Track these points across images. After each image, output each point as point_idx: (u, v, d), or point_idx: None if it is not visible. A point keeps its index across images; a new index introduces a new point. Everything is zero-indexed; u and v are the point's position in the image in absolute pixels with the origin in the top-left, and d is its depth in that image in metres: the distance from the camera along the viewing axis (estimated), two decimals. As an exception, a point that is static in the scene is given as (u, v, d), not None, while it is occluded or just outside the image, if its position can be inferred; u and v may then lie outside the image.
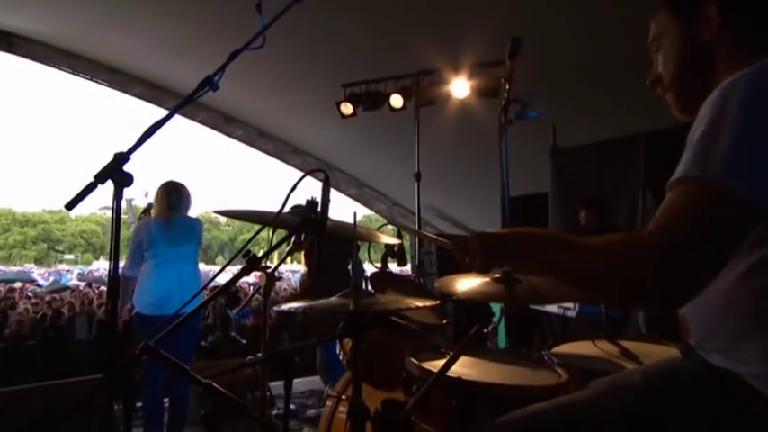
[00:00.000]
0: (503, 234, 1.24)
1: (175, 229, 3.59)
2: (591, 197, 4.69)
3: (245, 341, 6.98)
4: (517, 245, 1.14)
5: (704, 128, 0.90)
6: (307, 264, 3.75)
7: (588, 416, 1.08)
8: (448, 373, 1.32)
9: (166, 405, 3.50)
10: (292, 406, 4.46)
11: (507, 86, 2.46)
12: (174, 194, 3.65)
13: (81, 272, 33.28)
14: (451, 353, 1.33)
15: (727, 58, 1.05)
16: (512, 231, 1.19)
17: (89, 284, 17.29)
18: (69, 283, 20.76)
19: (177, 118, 1.49)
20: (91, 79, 10.19)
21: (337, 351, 2.22)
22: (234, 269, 1.53)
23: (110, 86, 10.43)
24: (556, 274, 1.11)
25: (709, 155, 0.87)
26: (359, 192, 13.25)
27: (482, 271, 1.32)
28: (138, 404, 3.27)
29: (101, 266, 36.92)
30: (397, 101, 5.96)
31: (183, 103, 1.48)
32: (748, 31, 1.05)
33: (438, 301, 1.83)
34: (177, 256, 3.57)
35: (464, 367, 1.53)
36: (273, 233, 2.08)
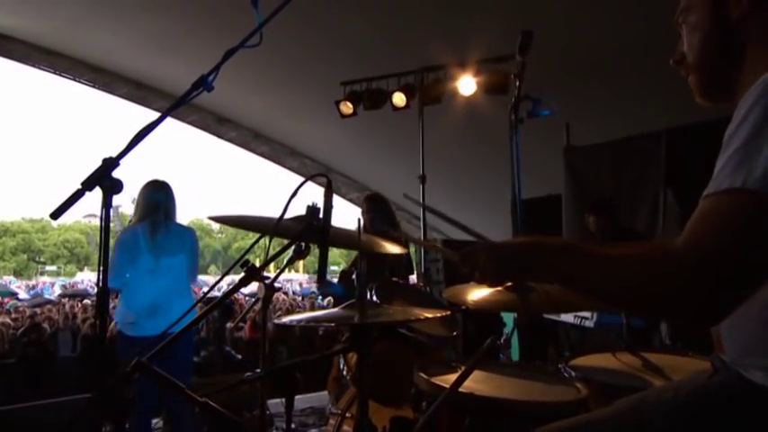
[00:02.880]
0: (514, 245, 1.21)
1: (164, 238, 3.37)
2: (597, 202, 4.67)
3: (240, 356, 6.97)
4: (532, 257, 1.10)
5: (747, 132, 0.87)
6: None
7: None
8: (460, 389, 1.33)
9: (155, 426, 3.46)
10: (293, 425, 4.45)
11: (518, 83, 2.47)
12: (157, 195, 3.40)
13: (64, 284, 33.33)
14: (463, 367, 1.33)
15: (755, 42, 1.03)
16: (524, 242, 1.16)
17: (73, 298, 17.30)
18: (52, 297, 20.78)
19: (167, 119, 1.50)
20: (73, 79, 10.25)
21: (341, 366, 2.22)
22: (228, 279, 1.53)
23: (94, 87, 10.48)
24: (577, 288, 1.08)
25: (754, 164, 0.85)
26: (360, 196, 13.27)
27: (492, 285, 1.31)
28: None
29: (85, 278, 36.94)
30: (399, 99, 5.97)
31: (176, 105, 1.49)
32: None
33: (448, 312, 1.83)
34: (166, 268, 3.35)
35: (476, 382, 1.53)
36: (270, 241, 2.09)
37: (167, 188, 3.47)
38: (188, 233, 3.63)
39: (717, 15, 1.06)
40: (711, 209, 0.88)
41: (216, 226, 68.43)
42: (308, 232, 1.45)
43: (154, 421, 3.55)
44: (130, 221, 3.85)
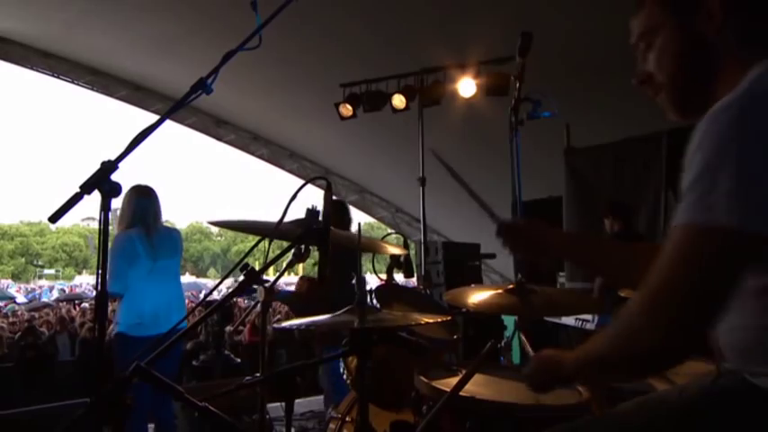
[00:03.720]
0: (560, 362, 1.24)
1: (159, 241, 3.44)
2: (615, 204, 4.67)
3: (239, 360, 6.96)
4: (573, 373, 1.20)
5: (701, 165, 0.90)
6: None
7: None
8: (461, 393, 1.32)
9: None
10: (292, 430, 4.44)
11: (518, 84, 2.48)
12: (144, 201, 3.46)
13: (63, 288, 33.33)
14: (464, 371, 1.33)
15: (729, 57, 1.04)
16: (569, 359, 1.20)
17: (71, 301, 17.31)
18: (50, 300, 20.79)
19: (166, 122, 1.50)
20: (72, 82, 10.27)
21: (341, 370, 2.22)
22: (228, 282, 1.53)
23: (92, 89, 10.50)
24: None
25: (711, 199, 0.88)
26: (360, 198, 13.28)
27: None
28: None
29: (84, 282, 36.91)
30: (399, 101, 5.98)
31: (175, 108, 1.49)
32: (752, 29, 1.03)
33: (449, 316, 1.83)
34: (162, 270, 3.44)
35: (477, 386, 1.52)
36: (270, 244, 2.09)
37: (153, 193, 3.54)
38: (176, 234, 3.75)
39: (688, 34, 1.07)
40: (674, 246, 0.92)
41: (215, 229, 68.52)
42: (308, 235, 1.45)
43: (150, 426, 3.56)
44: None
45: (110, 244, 3.59)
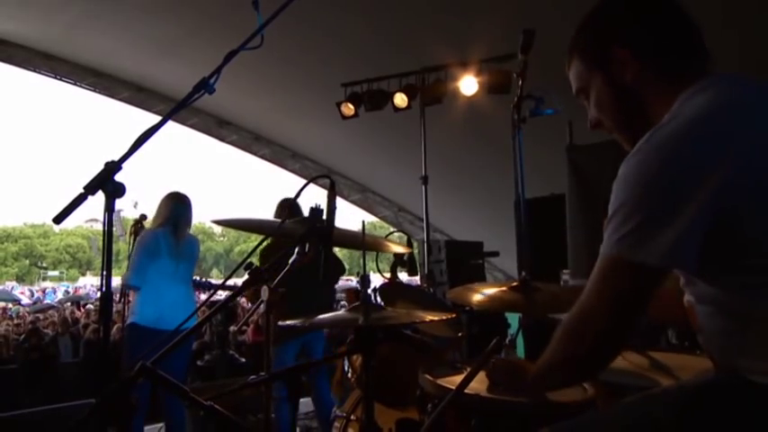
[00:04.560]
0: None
1: (183, 245, 3.69)
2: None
3: (243, 359, 6.98)
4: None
5: (613, 205, 1.06)
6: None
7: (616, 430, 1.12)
8: (465, 391, 1.32)
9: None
10: (297, 429, 4.45)
11: (520, 82, 2.47)
12: (180, 207, 3.73)
13: (67, 289, 33.38)
14: (468, 368, 1.33)
15: (655, 90, 1.16)
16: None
17: (75, 303, 17.34)
18: (54, 302, 20.83)
19: (168, 123, 1.50)
20: (74, 84, 10.29)
21: (346, 368, 2.22)
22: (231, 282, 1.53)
23: (95, 91, 10.52)
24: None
25: (621, 232, 1.02)
26: (362, 197, 13.28)
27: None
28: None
29: (88, 283, 36.90)
30: (401, 100, 5.97)
31: (177, 108, 1.50)
32: (663, 61, 1.16)
33: (453, 314, 1.83)
34: (181, 273, 3.66)
35: (482, 383, 1.52)
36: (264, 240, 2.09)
37: (187, 200, 3.82)
38: (196, 242, 4.01)
39: (613, 84, 1.20)
40: (597, 271, 1.08)
41: (218, 229, 68.59)
42: (312, 234, 1.45)
43: (158, 426, 3.58)
44: (134, 225, 4.02)
45: (116, 245, 3.73)
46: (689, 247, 0.99)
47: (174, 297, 3.55)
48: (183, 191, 3.82)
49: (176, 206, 3.71)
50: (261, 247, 1.57)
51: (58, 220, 1.25)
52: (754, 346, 1.03)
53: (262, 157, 12.45)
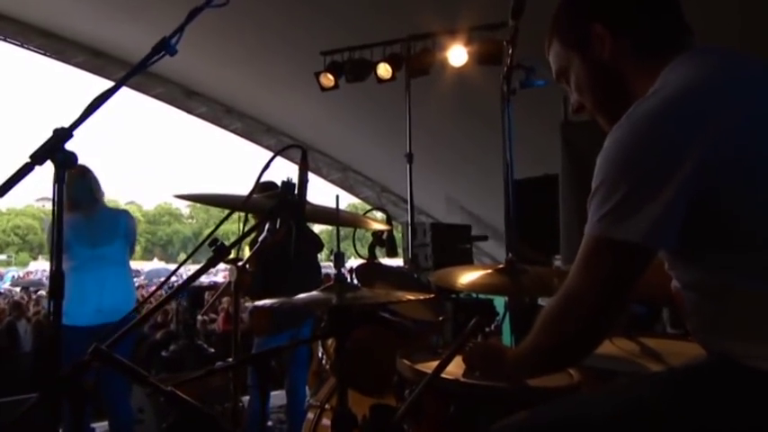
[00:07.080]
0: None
1: (94, 222, 3.45)
2: None
3: (213, 350, 6.97)
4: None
5: (595, 181, 1.10)
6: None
7: (601, 413, 1.15)
8: (443, 375, 1.34)
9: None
10: (270, 422, 4.47)
11: (510, 50, 2.47)
12: (78, 182, 3.40)
13: (16, 275, 32.84)
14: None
15: (634, 67, 1.21)
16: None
17: (25, 289, 17.13)
18: (2, 289, 20.56)
19: (129, 92, 1.49)
20: (21, 45, 10.00)
21: (320, 354, 2.24)
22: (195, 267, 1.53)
23: (45, 54, 10.22)
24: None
25: (615, 214, 1.06)
26: (343, 176, 13.24)
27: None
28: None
29: (39, 268, 36.11)
30: (384, 71, 5.94)
31: (135, 71, 1.48)
32: (642, 37, 1.20)
33: (432, 294, 1.85)
34: (101, 254, 3.44)
35: (462, 368, 1.55)
36: (246, 222, 2.08)
37: (87, 172, 3.53)
38: (121, 215, 3.79)
39: (592, 64, 1.25)
40: (581, 253, 1.12)
41: (186, 211, 68.08)
42: (282, 208, 1.44)
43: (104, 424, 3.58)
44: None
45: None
46: (670, 225, 1.03)
47: (100, 285, 3.36)
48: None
49: (74, 183, 3.35)
50: (248, 239, 1.55)
51: (1, 193, 1.22)
52: (739, 329, 1.07)
53: (233, 131, 12.32)
